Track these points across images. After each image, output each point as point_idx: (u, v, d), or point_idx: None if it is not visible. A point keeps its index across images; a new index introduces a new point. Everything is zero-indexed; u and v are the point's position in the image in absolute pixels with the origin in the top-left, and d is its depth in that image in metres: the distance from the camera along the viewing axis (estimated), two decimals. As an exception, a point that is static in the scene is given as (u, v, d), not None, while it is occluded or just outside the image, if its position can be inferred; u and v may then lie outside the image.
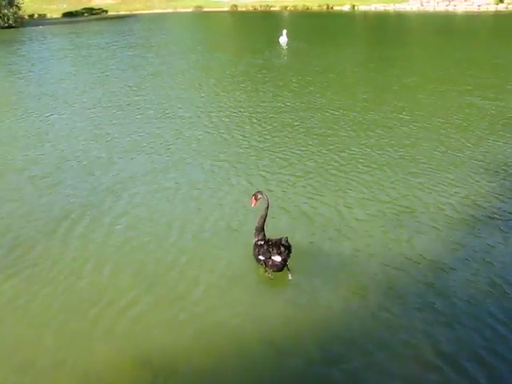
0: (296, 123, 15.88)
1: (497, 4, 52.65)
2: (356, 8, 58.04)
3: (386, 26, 47.13)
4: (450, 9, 54.23)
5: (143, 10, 64.37)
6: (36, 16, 60.92)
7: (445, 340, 6.72)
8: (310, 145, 13.90)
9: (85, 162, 13.20)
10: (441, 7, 54.85)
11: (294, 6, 61.08)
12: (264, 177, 11.80)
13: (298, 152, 13.35)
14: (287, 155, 13.13)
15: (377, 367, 6.36)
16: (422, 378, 6.24)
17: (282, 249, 7.94)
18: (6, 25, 50.35)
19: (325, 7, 59.82)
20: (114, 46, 35.31)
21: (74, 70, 27.32)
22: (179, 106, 18.53)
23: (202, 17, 59.63)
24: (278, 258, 7.95)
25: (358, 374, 6.29)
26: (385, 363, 6.41)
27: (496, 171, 11.76)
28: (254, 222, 8.59)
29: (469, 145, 13.47)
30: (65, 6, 64.61)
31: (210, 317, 7.29)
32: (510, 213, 9.87)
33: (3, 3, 50.23)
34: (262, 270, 8.25)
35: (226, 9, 63.28)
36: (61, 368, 6.54)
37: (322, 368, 6.37)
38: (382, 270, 8.16)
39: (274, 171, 12.12)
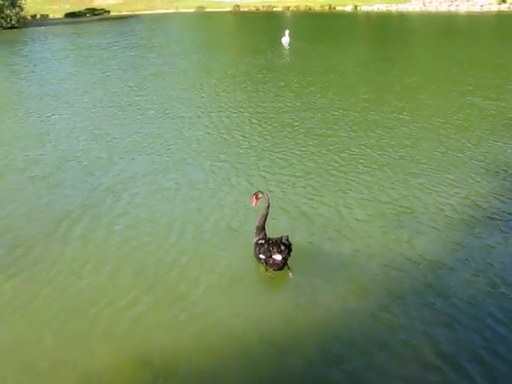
0: (297, 123, 15.88)
1: (499, 4, 52.61)
2: (358, 8, 58.01)
3: (388, 26, 47.11)
4: (453, 9, 54.19)
5: (145, 10, 64.43)
6: (38, 16, 61.04)
7: (445, 340, 6.71)
8: (311, 145, 13.89)
9: (85, 162, 13.21)
10: (443, 7, 54.81)
11: (297, 7, 61.08)
12: (264, 177, 11.80)
13: (299, 152, 13.35)
14: (288, 155, 13.12)
15: (377, 367, 6.35)
16: (422, 379, 6.23)
17: (283, 247, 7.97)
18: (9, 25, 50.44)
19: (327, 7, 59.82)
20: (115, 46, 35.34)
21: (76, 71, 27.35)
22: (180, 106, 18.54)
23: (204, 17, 59.65)
24: (278, 257, 7.97)
25: (358, 374, 6.28)
26: (385, 363, 6.41)
27: (496, 172, 11.74)
28: (255, 222, 8.60)
29: (469, 145, 13.45)
30: (67, 6, 64.72)
31: (211, 317, 7.29)
32: (510, 213, 9.85)
33: (6, 4, 50.31)
34: (262, 268, 8.26)
35: (228, 9, 63.29)
36: (61, 368, 6.54)
37: (322, 368, 6.36)
38: (382, 271, 8.15)
39: (274, 171, 12.12)
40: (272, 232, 8.52)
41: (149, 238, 9.38)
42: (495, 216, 9.74)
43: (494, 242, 8.88)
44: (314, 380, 6.23)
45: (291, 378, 6.26)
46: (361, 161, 12.61)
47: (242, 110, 17.68)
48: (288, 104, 18.16)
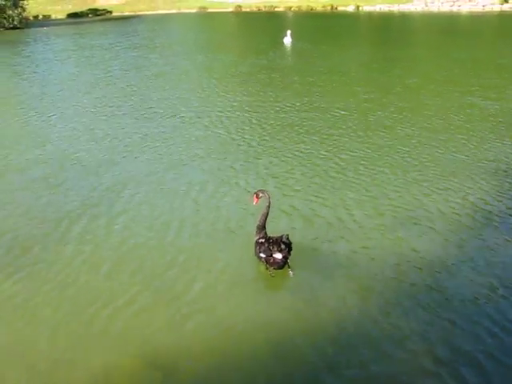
0: (298, 124, 15.85)
1: (502, 4, 52.58)
2: (360, 8, 58.04)
3: (390, 26, 47.10)
4: (455, 9, 54.18)
5: (147, 10, 64.53)
6: (40, 17, 61.18)
7: (443, 343, 6.67)
8: (312, 145, 13.87)
9: (86, 162, 13.22)
10: (445, 7, 54.81)
11: (299, 7, 61.12)
12: (265, 177, 11.79)
13: (300, 152, 13.34)
14: (289, 156, 13.11)
15: (375, 370, 6.30)
16: (420, 382, 6.19)
17: (283, 246, 7.99)
18: (11, 26, 50.57)
19: (329, 8, 59.86)
20: (117, 46, 35.39)
21: (78, 71, 27.38)
22: (182, 106, 18.54)
23: (206, 17, 59.72)
24: (278, 256, 7.99)
25: (363, 373, 6.26)
26: (383, 366, 6.36)
27: (498, 172, 11.71)
28: (254, 222, 8.63)
29: (471, 146, 13.42)
30: (69, 6, 64.83)
31: (210, 316, 7.28)
32: (511, 214, 9.82)
33: (8, 4, 50.40)
34: (263, 267, 8.27)
35: (230, 9, 63.38)
36: (60, 367, 6.53)
37: (320, 367, 6.34)
38: (382, 271, 8.13)
39: (275, 172, 12.11)
40: (273, 232, 8.51)
41: (148, 238, 9.38)
42: (496, 217, 9.71)
43: (494, 243, 8.83)
44: (313, 380, 6.21)
45: (291, 378, 6.24)
46: (362, 161, 12.59)
47: (243, 110, 17.67)
48: (289, 104, 18.14)
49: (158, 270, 8.39)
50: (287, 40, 32.84)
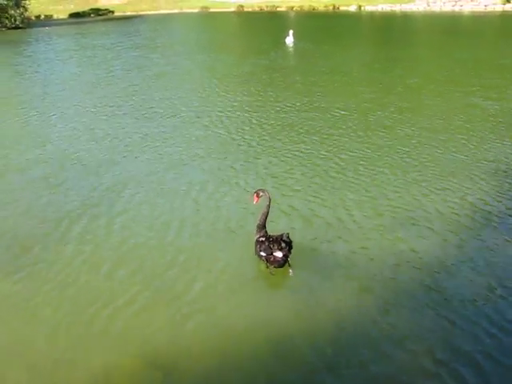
0: (299, 124, 15.85)
1: (504, 4, 52.51)
2: (362, 8, 58.03)
3: (392, 26, 47.07)
4: (457, 9, 54.13)
5: (149, 10, 64.60)
6: (42, 17, 61.28)
7: (442, 343, 6.67)
8: (313, 145, 13.86)
9: (87, 162, 13.23)
10: (447, 7, 54.77)
11: (300, 7, 61.13)
12: (265, 177, 11.79)
13: (301, 152, 13.33)
14: (290, 156, 13.11)
15: (375, 370, 6.30)
16: (429, 378, 6.19)
17: (283, 245, 8.02)
18: (13, 25, 50.67)
19: (331, 7, 59.86)
20: (119, 46, 35.42)
21: (80, 71, 27.41)
22: (183, 106, 18.55)
23: (208, 17, 59.73)
24: (279, 254, 8.02)
25: (364, 374, 6.26)
26: (383, 366, 6.36)
27: (498, 173, 11.69)
28: (254, 222, 8.65)
29: (471, 146, 13.39)
30: (71, 6, 64.92)
31: (211, 316, 7.28)
32: (511, 215, 9.80)
33: (10, 4, 50.49)
34: (263, 266, 8.29)
35: (232, 9, 63.42)
36: (60, 367, 6.54)
37: (320, 367, 6.34)
38: (381, 271, 8.12)
39: (275, 172, 12.11)
40: (273, 232, 8.51)
41: (148, 238, 9.39)
42: (495, 217, 9.69)
43: (493, 243, 8.82)
44: (312, 379, 6.22)
45: (290, 378, 6.24)
46: (362, 161, 12.58)
47: (243, 110, 17.67)
48: (290, 104, 18.14)
49: (158, 270, 8.40)
50: (289, 40, 32.84)
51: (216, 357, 6.59)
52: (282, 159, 12.91)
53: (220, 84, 22.26)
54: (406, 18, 51.42)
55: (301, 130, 15.23)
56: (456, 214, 9.86)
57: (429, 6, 55.50)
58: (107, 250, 9.09)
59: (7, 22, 50.76)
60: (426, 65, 26.42)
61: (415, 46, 33.52)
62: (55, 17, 62.30)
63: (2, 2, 49.98)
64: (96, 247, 9.17)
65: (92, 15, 63.35)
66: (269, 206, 8.55)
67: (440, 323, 7.00)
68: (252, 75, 24.05)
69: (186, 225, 9.80)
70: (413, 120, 15.85)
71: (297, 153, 13.33)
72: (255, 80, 22.93)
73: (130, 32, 44.65)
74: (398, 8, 56.49)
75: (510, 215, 9.78)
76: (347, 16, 54.95)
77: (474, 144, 13.51)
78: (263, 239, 8.25)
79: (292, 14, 58.81)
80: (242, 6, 63.17)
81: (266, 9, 62.69)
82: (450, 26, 44.61)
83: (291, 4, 62.08)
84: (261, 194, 8.66)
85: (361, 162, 12.54)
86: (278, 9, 62.21)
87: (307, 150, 13.55)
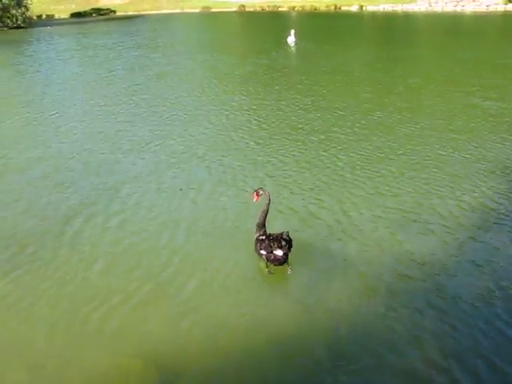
0: (301, 123, 15.84)
1: (506, 4, 52.39)
2: (364, 8, 57.93)
3: (393, 26, 47.00)
4: (459, 9, 54.03)
5: (151, 10, 64.58)
6: (44, 16, 61.30)
7: (450, 341, 6.68)
8: (312, 145, 13.86)
9: (87, 162, 13.24)
10: (449, 7, 54.65)
11: (302, 7, 61.05)
12: (267, 177, 11.78)
13: (302, 151, 13.34)
14: (291, 155, 13.11)
15: (383, 367, 6.33)
16: (429, 379, 6.18)
17: (283, 243, 8.02)
18: (15, 25, 50.71)
19: (333, 7, 59.76)
20: (121, 46, 35.42)
21: (81, 71, 27.44)
22: (184, 106, 18.56)
23: (209, 17, 59.70)
24: (279, 252, 8.04)
25: (364, 374, 6.27)
26: (390, 363, 6.38)
27: (501, 173, 11.67)
28: (254, 222, 8.63)
29: (473, 146, 13.36)
30: (73, 6, 64.93)
31: (211, 316, 7.28)
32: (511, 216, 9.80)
33: (12, 4, 50.52)
34: (262, 264, 8.30)
35: (234, 9, 63.35)
36: (59, 366, 6.55)
37: (327, 367, 6.35)
38: (386, 270, 8.13)
39: (276, 172, 12.10)
40: (273, 231, 8.50)
41: (147, 237, 9.41)
42: (500, 217, 9.68)
43: (499, 242, 8.82)
44: (319, 379, 6.22)
45: (296, 378, 6.24)
46: (364, 161, 12.56)
47: (244, 110, 17.68)
48: (292, 104, 18.13)
49: (157, 269, 8.40)
50: (291, 40, 32.84)
51: (213, 356, 6.60)
52: (282, 159, 12.91)
53: (221, 84, 22.25)
54: (408, 18, 51.34)
55: (302, 130, 15.21)
56: (457, 214, 9.85)
57: (430, 6, 55.40)
58: (106, 249, 9.10)
59: (9, 21, 50.83)
60: (427, 65, 26.37)
61: (416, 46, 33.46)
62: (57, 16, 62.33)
63: (4, 1, 50.04)
64: (94, 246, 9.18)
65: (93, 15, 63.37)
66: (268, 204, 8.56)
67: (440, 324, 6.99)
68: (253, 75, 24.03)
69: (185, 224, 9.80)
70: (413, 120, 15.82)
71: (297, 152, 13.32)
72: (256, 80, 22.92)
73: (132, 32, 44.66)
74: (399, 8, 56.39)
75: (510, 215, 9.76)
76: (349, 16, 54.87)
77: (475, 144, 13.48)
78: (263, 237, 8.26)
79: (293, 14, 58.76)
80: (243, 6, 63.12)
81: (267, 9, 62.64)
82: (452, 26, 44.53)
83: (293, 4, 62.02)
84: (261, 192, 8.67)
85: (361, 162, 12.52)
86: (280, 9, 62.14)
87: (307, 149, 13.54)
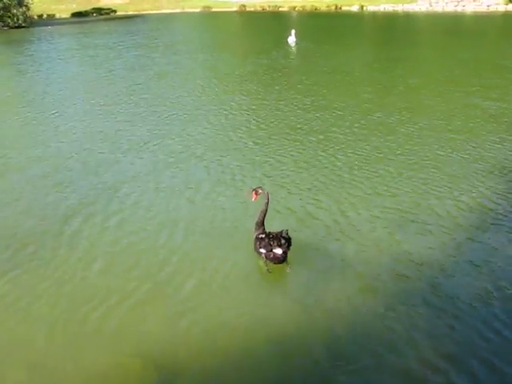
0: (301, 123, 15.84)
1: (506, 4, 52.38)
2: (364, 8, 57.93)
3: (394, 26, 46.99)
4: (459, 9, 54.01)
5: (151, 10, 64.63)
6: (45, 16, 61.39)
7: (448, 341, 6.69)
8: (313, 145, 13.85)
9: (87, 161, 13.25)
10: (449, 7, 54.63)
11: (303, 7, 61.06)
12: (265, 177, 11.77)
13: (300, 153, 13.32)
14: (290, 155, 13.11)
15: (381, 368, 6.33)
16: (426, 379, 6.19)
17: (283, 241, 8.05)
18: (16, 25, 50.77)
19: (333, 7, 59.77)
20: (121, 45, 35.44)
21: (82, 70, 27.48)
22: (184, 105, 18.56)
23: (210, 17, 59.72)
24: (279, 251, 8.06)
25: (363, 374, 6.27)
26: (389, 363, 6.38)
27: (500, 173, 11.66)
28: (254, 222, 8.64)
29: (473, 146, 13.35)
30: (74, 6, 65.00)
31: (209, 315, 7.28)
32: (511, 216, 9.79)
33: (13, 3, 50.58)
34: (262, 262, 8.32)
35: (235, 9, 63.39)
36: (56, 365, 6.56)
37: (326, 367, 6.35)
38: (385, 271, 8.12)
39: (274, 172, 12.10)
40: (273, 230, 8.50)
41: (146, 236, 9.41)
42: (499, 217, 9.68)
43: (497, 242, 8.82)
44: (318, 379, 6.22)
45: (295, 378, 6.25)
46: (363, 161, 12.56)
47: (245, 109, 17.69)
48: (292, 104, 18.13)
49: (155, 268, 8.41)
50: (291, 39, 32.87)
51: (212, 355, 6.60)
52: (280, 159, 12.90)
53: (221, 84, 22.25)
54: (408, 18, 51.32)
55: (301, 130, 15.21)
56: (455, 214, 9.85)
57: (431, 6, 55.39)
58: (105, 248, 9.11)
59: (10, 21, 50.91)
60: (428, 65, 26.36)
61: (417, 46, 33.43)
62: (57, 16, 62.41)
63: (5, 1, 50.10)
64: (93, 246, 9.19)
65: (94, 14, 63.46)
66: (267, 203, 8.56)
67: (438, 324, 6.99)
68: (253, 75, 24.03)
69: (183, 224, 9.81)
70: (412, 120, 15.82)
71: (297, 152, 13.32)
72: (256, 80, 22.92)
73: (132, 31, 44.68)
74: (400, 8, 56.39)
75: (509, 216, 9.76)
76: (349, 16, 54.87)
77: (473, 144, 13.48)
78: (263, 236, 8.27)
79: (294, 14, 58.77)
80: (244, 6, 63.14)
81: (268, 8, 62.66)
82: (452, 26, 44.52)
83: (293, 4, 62.03)
84: (259, 191, 8.68)
85: (359, 162, 12.51)
86: (281, 9, 62.17)
87: (307, 149, 13.54)
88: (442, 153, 12.98)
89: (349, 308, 7.36)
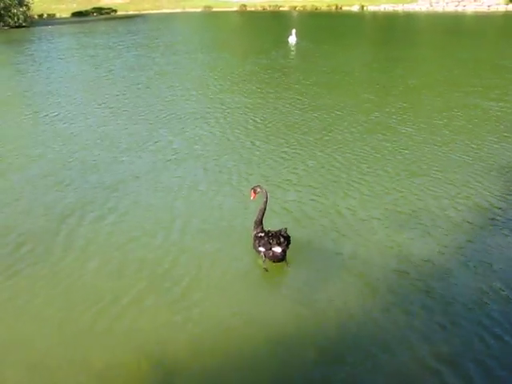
0: (301, 123, 15.85)
1: (507, 4, 52.42)
2: (365, 8, 58.02)
3: (394, 26, 47.03)
4: (460, 9, 54.06)
5: (152, 9, 64.70)
6: (45, 16, 61.44)
7: (445, 343, 6.68)
8: (313, 145, 13.87)
9: (87, 161, 13.24)
10: (450, 7, 54.70)
11: (303, 6, 61.13)
12: (263, 177, 11.77)
13: (301, 151, 13.34)
14: (290, 155, 13.12)
15: (378, 368, 6.33)
16: (424, 380, 6.19)
17: (282, 240, 8.06)
18: (16, 24, 50.80)
19: (334, 7, 59.89)
20: (121, 45, 35.45)
21: (82, 70, 27.44)
22: (184, 105, 18.57)
23: (210, 17, 59.74)
24: (278, 249, 8.07)
25: (359, 374, 6.27)
26: (385, 364, 6.38)
27: (500, 173, 11.67)
28: (253, 219, 8.66)
29: (472, 146, 13.37)
30: (74, 5, 65.08)
31: (212, 316, 7.28)
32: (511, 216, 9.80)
33: (13, 3, 50.61)
34: (260, 261, 8.32)
35: (235, 9, 63.49)
36: (62, 367, 6.55)
37: (322, 367, 6.36)
38: (383, 271, 8.12)
39: (276, 171, 12.10)
40: (271, 228, 8.53)
41: (150, 237, 9.38)
42: (498, 218, 9.67)
43: (496, 244, 8.81)
44: (315, 379, 6.23)
45: (293, 378, 6.26)
46: (363, 161, 12.57)
47: (246, 109, 17.69)
48: (291, 104, 18.15)
49: (153, 267, 8.41)
50: (292, 39, 32.93)
51: (211, 355, 6.60)
52: (278, 159, 12.91)
53: (221, 83, 22.27)
54: (409, 18, 51.35)
55: (299, 130, 15.22)
56: (456, 214, 9.84)
57: (431, 6, 55.44)
58: (103, 247, 9.10)
59: (10, 20, 50.92)
60: (428, 65, 26.38)
61: (417, 46, 33.47)
62: (58, 16, 62.45)
63: (5, 0, 50.10)
64: (92, 245, 9.17)
65: (94, 14, 63.51)
66: (266, 202, 8.57)
67: (436, 325, 7.00)
68: (254, 74, 24.04)
69: (181, 223, 9.81)
70: (412, 120, 15.83)
71: (296, 152, 13.33)
72: (257, 79, 22.93)
73: (132, 31, 44.70)
74: (400, 8, 56.47)
75: (509, 216, 9.76)
76: (350, 16, 54.91)
77: (473, 145, 13.49)
78: (262, 234, 8.28)
79: (295, 14, 58.83)
80: (244, 6, 63.20)
81: (268, 8, 62.73)
82: (453, 26, 44.56)
83: (294, 4, 62.08)
84: (258, 190, 8.68)
85: (359, 162, 12.52)
86: (281, 8, 62.24)
87: (307, 149, 13.54)
88: (441, 153, 12.99)
89: (347, 308, 7.35)
